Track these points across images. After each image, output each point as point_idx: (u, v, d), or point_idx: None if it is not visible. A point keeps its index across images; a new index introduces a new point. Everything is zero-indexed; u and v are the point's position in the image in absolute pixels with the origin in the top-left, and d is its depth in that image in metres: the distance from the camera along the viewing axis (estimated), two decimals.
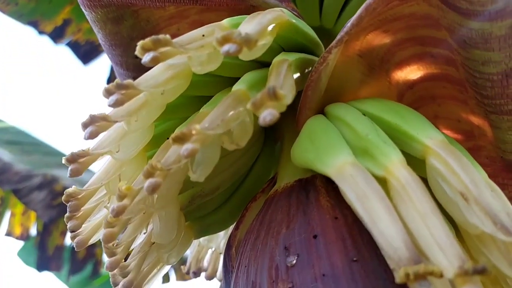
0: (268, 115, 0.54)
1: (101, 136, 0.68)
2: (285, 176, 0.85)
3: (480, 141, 0.92)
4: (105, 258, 4.13)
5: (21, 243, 4.43)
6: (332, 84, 0.86)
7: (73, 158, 0.67)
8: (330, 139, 0.68)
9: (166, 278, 3.91)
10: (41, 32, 2.80)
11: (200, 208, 0.94)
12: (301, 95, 0.84)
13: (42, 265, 3.91)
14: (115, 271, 0.79)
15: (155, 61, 0.58)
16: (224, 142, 0.64)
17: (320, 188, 0.73)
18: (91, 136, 0.63)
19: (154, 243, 0.77)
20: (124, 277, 0.75)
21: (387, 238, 0.54)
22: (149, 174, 0.60)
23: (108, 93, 0.62)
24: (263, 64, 0.87)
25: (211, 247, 1.13)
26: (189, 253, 1.17)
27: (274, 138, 1.04)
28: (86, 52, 2.86)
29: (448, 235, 0.51)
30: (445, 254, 0.49)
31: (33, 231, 3.80)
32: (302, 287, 0.62)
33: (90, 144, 0.74)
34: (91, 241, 0.82)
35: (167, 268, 0.90)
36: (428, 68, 0.90)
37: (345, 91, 0.88)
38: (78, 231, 0.79)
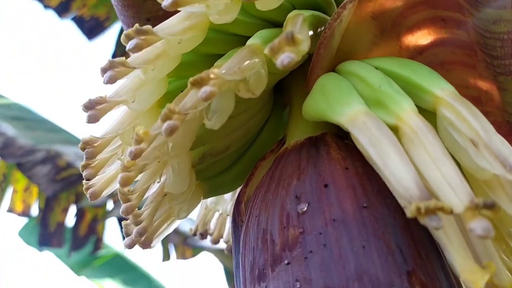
0: (286, 58, 0.56)
1: (118, 84, 0.70)
2: (295, 135, 0.87)
3: (487, 107, 0.93)
4: (106, 236, 4.14)
5: (21, 224, 4.46)
6: (344, 45, 0.87)
7: (91, 105, 0.69)
8: (342, 90, 0.69)
9: (166, 256, 3.96)
10: (46, 6, 2.79)
11: (210, 168, 0.96)
12: (313, 56, 0.85)
13: (43, 241, 3.95)
14: (128, 221, 0.81)
15: (175, 5, 0.59)
16: (240, 89, 0.65)
17: (331, 142, 0.75)
18: (111, 80, 0.64)
19: (166, 194, 0.79)
20: (137, 225, 0.77)
21: (399, 179, 0.55)
22: (166, 117, 0.61)
23: (127, 38, 0.63)
24: (275, 24, 0.88)
25: (218, 210, 1.15)
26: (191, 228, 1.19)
27: (283, 103, 1.06)
28: (90, 28, 2.86)
29: (459, 175, 0.53)
30: (455, 192, 0.51)
31: (35, 208, 3.83)
32: (313, 232, 0.64)
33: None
34: (104, 193, 0.84)
35: (177, 223, 0.92)
36: (439, 33, 0.91)
37: (356, 53, 0.89)
38: (91, 182, 0.81)
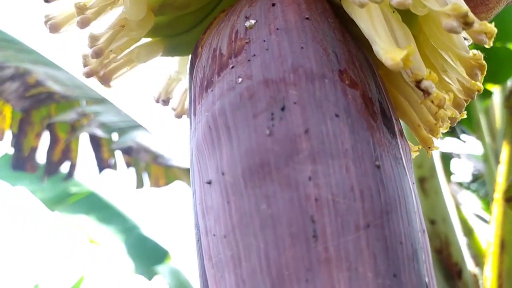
0: None
1: None
2: None
3: None
4: (79, 162, 4.16)
5: None
6: None
7: None
8: None
9: (140, 183, 4.02)
10: None
11: (172, 26, 0.99)
12: None
13: (17, 165, 3.95)
14: (86, 52, 0.84)
15: None
16: None
17: None
18: None
19: (124, 26, 0.82)
20: (92, 47, 0.79)
21: None
22: None
23: None
24: None
25: (181, 79, 1.18)
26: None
27: None
28: None
29: None
30: None
31: (8, 134, 3.80)
32: (258, 41, 0.69)
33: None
34: (63, 30, 0.86)
35: (137, 69, 0.96)
36: None
37: None
38: (52, 15, 0.83)
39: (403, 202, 0.57)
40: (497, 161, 3.37)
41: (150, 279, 5.61)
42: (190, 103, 0.80)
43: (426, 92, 0.58)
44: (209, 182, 0.63)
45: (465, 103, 0.75)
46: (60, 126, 3.67)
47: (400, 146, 0.63)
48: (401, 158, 0.62)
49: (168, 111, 1.21)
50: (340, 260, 0.51)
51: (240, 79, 0.64)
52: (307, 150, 0.57)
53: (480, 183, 5.57)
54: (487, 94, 4.60)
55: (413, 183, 0.62)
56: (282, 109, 0.60)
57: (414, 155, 0.83)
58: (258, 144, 0.59)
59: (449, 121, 0.74)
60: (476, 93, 0.71)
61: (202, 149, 0.67)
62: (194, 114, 0.73)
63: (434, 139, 0.77)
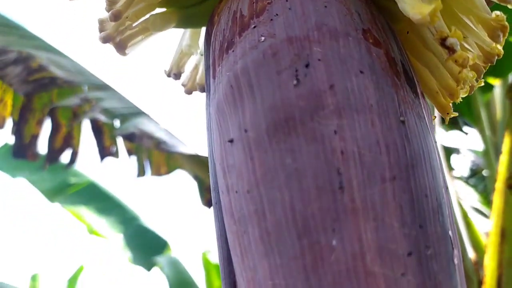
0: None
1: None
2: None
3: None
4: (81, 150, 4.15)
5: None
6: None
7: None
8: None
9: (141, 172, 4.02)
10: None
11: None
12: None
13: (18, 153, 3.94)
14: (103, 17, 0.84)
15: None
16: None
17: None
18: None
19: None
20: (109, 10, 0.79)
21: None
22: None
23: None
24: None
25: (192, 53, 1.18)
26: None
27: None
28: None
29: None
30: None
31: (9, 122, 3.79)
32: (280, 1, 0.68)
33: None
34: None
35: (151, 38, 0.96)
36: None
37: None
38: None
39: (427, 157, 0.57)
40: (497, 155, 3.39)
41: (149, 270, 5.62)
42: (208, 69, 0.80)
43: (452, 50, 0.58)
44: (231, 141, 0.63)
45: (484, 69, 0.75)
46: (62, 113, 3.66)
47: (422, 106, 0.63)
48: (424, 117, 0.62)
49: (175, 94, 1.20)
50: (366, 210, 0.51)
51: (263, 38, 0.64)
52: (332, 105, 0.57)
53: (479, 178, 5.60)
54: (488, 87, 4.60)
55: (436, 142, 0.63)
56: (307, 65, 0.60)
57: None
58: (283, 100, 0.59)
59: (469, 87, 0.74)
60: (496, 57, 0.71)
61: (224, 109, 0.67)
62: (214, 77, 0.73)
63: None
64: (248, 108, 0.62)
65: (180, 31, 1.19)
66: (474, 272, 2.73)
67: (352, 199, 0.52)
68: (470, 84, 0.77)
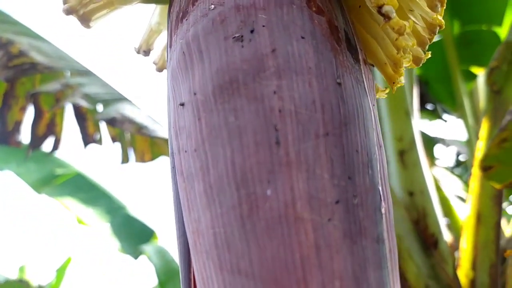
0: None
1: None
2: None
3: None
4: (64, 137, 4.14)
5: None
6: None
7: None
8: None
9: (125, 158, 4.03)
10: None
11: None
12: None
13: (2, 139, 3.93)
14: None
15: None
16: None
17: None
18: None
19: None
20: None
21: None
22: None
23: None
24: None
25: (162, 30, 1.20)
26: None
27: None
28: None
29: None
30: None
31: None
32: None
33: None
34: None
35: (117, 12, 0.98)
36: None
37: None
38: None
39: (361, 117, 0.61)
40: None
41: (136, 258, 5.65)
42: (167, 38, 0.83)
43: (387, 17, 0.62)
44: (182, 104, 0.67)
45: (429, 41, 0.79)
46: (45, 100, 3.66)
47: (363, 72, 0.67)
48: (363, 81, 0.66)
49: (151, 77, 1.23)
50: (299, 163, 0.55)
51: (213, 6, 0.67)
52: (273, 67, 0.60)
53: (464, 167, 5.69)
54: (471, 77, 4.67)
55: (374, 105, 0.67)
56: (252, 31, 0.63)
57: (382, 95, 0.87)
58: (228, 64, 0.62)
59: (412, 57, 0.78)
60: (438, 28, 0.75)
61: (177, 75, 0.70)
62: (170, 47, 0.76)
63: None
64: (197, 72, 0.66)
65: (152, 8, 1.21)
66: (449, 255, 2.80)
67: (287, 152, 0.55)
68: (417, 56, 0.81)
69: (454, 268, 2.68)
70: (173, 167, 0.77)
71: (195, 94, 0.64)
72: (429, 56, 0.82)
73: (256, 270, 0.51)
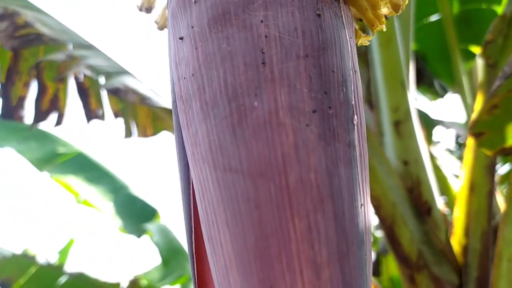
0: None
1: None
2: None
3: None
4: (67, 112, 4.22)
5: None
6: None
7: None
8: None
9: (128, 132, 4.13)
10: None
11: None
12: None
13: (6, 114, 4.02)
14: None
15: None
16: None
17: None
18: None
19: None
20: None
21: None
22: None
23: None
24: None
25: None
26: None
27: None
28: None
29: None
30: None
31: None
32: None
33: None
34: None
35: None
36: None
37: None
38: None
39: (338, 45, 0.69)
40: None
41: (139, 237, 5.75)
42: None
43: None
44: (181, 38, 0.75)
45: None
46: (48, 75, 3.74)
47: (341, 8, 0.76)
48: (341, 16, 0.74)
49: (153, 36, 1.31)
50: (282, 79, 0.64)
51: None
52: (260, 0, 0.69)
53: (463, 149, 5.76)
54: (471, 55, 4.71)
55: (351, 38, 0.75)
56: None
57: (364, 41, 0.95)
58: None
59: (390, 4, 0.86)
60: None
61: (176, 14, 0.78)
62: None
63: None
64: (194, 9, 0.74)
65: None
66: (442, 222, 2.88)
67: (271, 71, 0.64)
68: (396, 3, 0.89)
69: (447, 235, 2.76)
70: (174, 101, 0.86)
71: (192, 27, 0.73)
72: (406, 2, 0.90)
73: (245, 166, 0.60)
